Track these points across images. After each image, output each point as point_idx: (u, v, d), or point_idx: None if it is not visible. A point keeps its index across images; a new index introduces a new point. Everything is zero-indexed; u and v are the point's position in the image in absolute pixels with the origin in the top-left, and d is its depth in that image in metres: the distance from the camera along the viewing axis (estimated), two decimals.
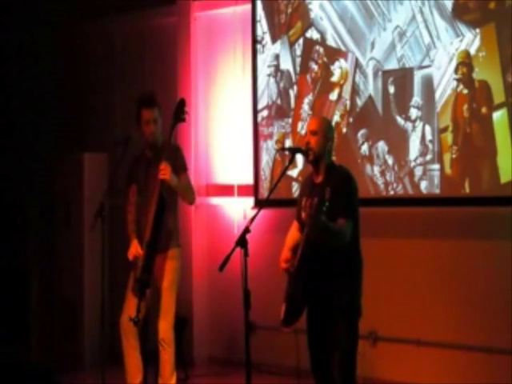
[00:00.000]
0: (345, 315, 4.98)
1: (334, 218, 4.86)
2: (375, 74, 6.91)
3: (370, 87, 6.94)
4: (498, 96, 6.22)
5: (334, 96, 7.19)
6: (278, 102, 7.57)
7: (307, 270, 4.95)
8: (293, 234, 5.31)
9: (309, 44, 7.35)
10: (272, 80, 7.61)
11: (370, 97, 6.95)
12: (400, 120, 6.75)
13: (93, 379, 6.87)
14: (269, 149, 7.63)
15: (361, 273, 5.10)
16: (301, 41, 7.41)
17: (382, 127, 6.89)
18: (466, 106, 6.38)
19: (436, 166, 6.54)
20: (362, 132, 6.99)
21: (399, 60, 6.75)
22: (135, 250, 6.03)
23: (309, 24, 7.35)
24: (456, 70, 6.43)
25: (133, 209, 6.20)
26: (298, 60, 7.43)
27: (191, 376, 7.46)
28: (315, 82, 7.32)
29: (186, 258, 7.74)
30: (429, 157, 6.57)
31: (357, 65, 7.02)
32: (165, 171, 5.85)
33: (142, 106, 6.10)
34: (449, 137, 6.48)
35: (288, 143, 7.49)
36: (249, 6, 7.75)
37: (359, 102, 7.02)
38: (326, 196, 4.74)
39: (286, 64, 7.51)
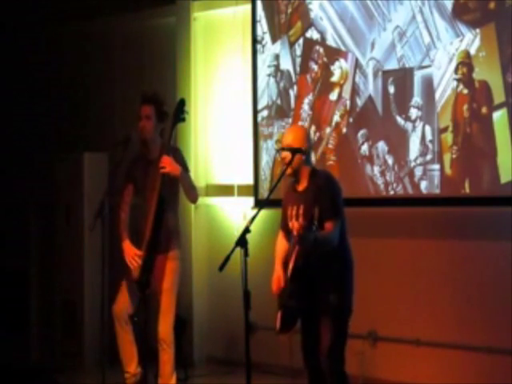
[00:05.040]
0: (335, 314, 5.06)
1: (322, 220, 4.95)
2: (375, 74, 6.91)
3: (370, 87, 6.94)
4: (498, 96, 6.21)
5: (334, 96, 7.19)
6: (278, 102, 7.57)
7: (301, 281, 5.01)
8: (281, 247, 5.34)
9: (309, 44, 7.35)
10: (272, 80, 7.61)
11: (369, 97, 6.94)
12: (400, 120, 6.75)
13: (93, 379, 6.88)
14: (269, 149, 7.63)
15: (351, 271, 5.18)
16: (301, 41, 7.41)
17: (381, 127, 6.89)
18: (466, 106, 6.38)
19: (436, 166, 6.54)
20: (361, 132, 6.99)
21: (399, 60, 6.75)
22: (131, 253, 6.01)
23: (309, 24, 7.35)
24: (456, 70, 6.43)
25: (126, 208, 6.20)
26: (298, 60, 7.43)
27: (191, 376, 7.46)
28: (315, 82, 7.32)
29: (186, 258, 7.73)
30: (429, 157, 6.57)
31: (357, 65, 7.02)
32: (165, 164, 5.85)
33: (141, 102, 6.15)
34: (449, 137, 6.48)
35: None
36: (249, 6, 7.75)
37: (359, 102, 7.02)
38: (314, 216, 4.86)
39: (286, 64, 7.51)
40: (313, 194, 5.09)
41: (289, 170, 5.20)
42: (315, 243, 4.89)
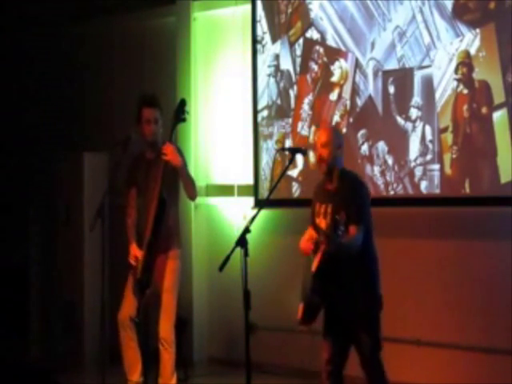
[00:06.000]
0: (366, 315, 5.17)
1: (347, 223, 5.03)
2: (375, 74, 6.91)
3: (370, 87, 6.94)
4: (498, 96, 6.22)
5: (334, 96, 7.19)
6: (278, 102, 7.57)
7: (324, 280, 5.08)
8: (309, 236, 5.39)
9: (309, 44, 7.35)
10: (272, 80, 7.61)
11: (370, 97, 6.95)
12: (400, 120, 6.75)
13: (93, 379, 6.87)
14: (269, 149, 7.63)
15: (376, 269, 5.26)
16: (301, 41, 7.41)
17: (382, 127, 6.89)
18: (466, 106, 6.38)
19: (436, 166, 6.54)
20: (362, 132, 6.99)
21: (399, 60, 6.75)
22: (135, 253, 6.02)
23: (309, 24, 7.35)
24: (456, 70, 6.43)
25: (133, 212, 6.19)
26: (298, 60, 7.43)
27: (191, 376, 7.45)
28: (315, 82, 7.32)
29: (186, 259, 7.72)
30: (429, 157, 6.57)
31: (357, 65, 7.02)
32: (167, 151, 5.85)
33: (144, 105, 6.11)
34: (449, 137, 6.48)
35: (288, 143, 7.49)
36: (249, 6, 7.75)
37: (359, 102, 7.02)
38: (340, 220, 4.95)
39: (286, 64, 7.51)
40: (341, 195, 5.18)
41: (323, 168, 5.27)
42: (339, 247, 4.98)
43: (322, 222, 5.18)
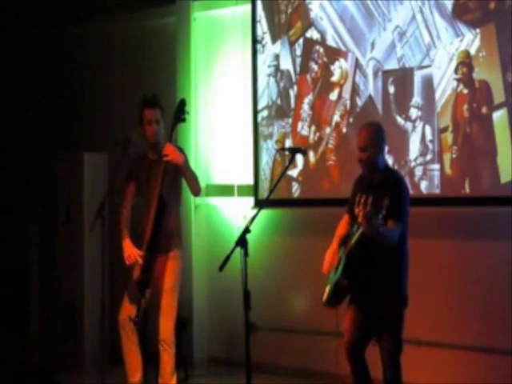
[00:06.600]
0: (391, 311, 5.29)
1: (385, 218, 5.03)
2: (375, 74, 6.91)
3: (370, 87, 6.94)
4: (498, 96, 6.22)
5: (334, 96, 7.19)
6: (278, 102, 7.57)
7: (356, 266, 5.14)
8: (342, 229, 5.45)
9: (309, 44, 7.35)
10: (272, 80, 7.61)
11: (370, 97, 6.95)
12: (400, 120, 6.75)
13: (93, 379, 6.88)
14: (269, 149, 7.63)
15: (406, 272, 5.31)
16: (301, 41, 7.41)
17: None
18: (466, 106, 6.38)
19: (436, 166, 6.54)
20: None
21: (399, 60, 6.75)
22: (131, 252, 6.00)
23: (309, 24, 7.35)
24: (456, 70, 6.43)
25: (128, 206, 6.19)
26: (298, 60, 7.43)
27: (191, 376, 7.46)
28: (315, 82, 7.32)
29: (186, 259, 7.72)
30: (429, 157, 6.57)
31: (357, 65, 7.02)
32: (168, 152, 5.86)
33: (145, 106, 6.12)
34: (449, 137, 6.48)
35: (288, 143, 7.49)
36: (249, 6, 7.75)
37: (359, 102, 7.02)
38: (383, 204, 4.93)
39: (286, 64, 7.51)
40: (384, 190, 5.14)
41: (365, 170, 5.31)
42: (377, 233, 4.95)
43: (361, 212, 5.17)
